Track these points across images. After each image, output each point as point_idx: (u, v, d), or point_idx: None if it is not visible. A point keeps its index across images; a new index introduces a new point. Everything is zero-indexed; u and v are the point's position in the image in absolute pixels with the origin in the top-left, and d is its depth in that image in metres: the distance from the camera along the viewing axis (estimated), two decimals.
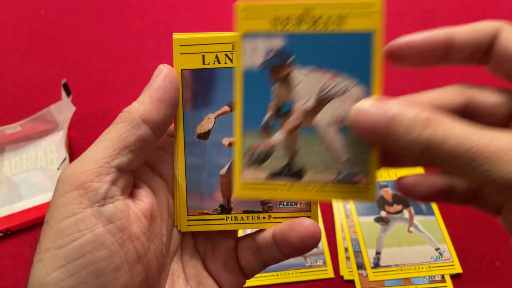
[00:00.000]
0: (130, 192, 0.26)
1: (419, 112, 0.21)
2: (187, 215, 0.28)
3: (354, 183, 0.26)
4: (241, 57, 0.25)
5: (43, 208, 0.48)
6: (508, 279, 0.42)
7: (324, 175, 0.27)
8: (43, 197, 0.49)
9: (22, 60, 0.65)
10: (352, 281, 0.43)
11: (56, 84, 0.59)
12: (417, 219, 0.46)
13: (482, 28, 0.25)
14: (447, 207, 0.47)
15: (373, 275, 0.43)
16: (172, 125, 0.28)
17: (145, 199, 0.26)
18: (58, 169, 0.49)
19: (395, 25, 0.65)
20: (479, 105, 0.26)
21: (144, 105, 0.25)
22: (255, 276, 0.43)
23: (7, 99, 0.60)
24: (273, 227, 0.27)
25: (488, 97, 0.26)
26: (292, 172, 0.27)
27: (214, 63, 0.27)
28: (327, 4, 0.24)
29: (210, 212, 0.28)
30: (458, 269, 0.43)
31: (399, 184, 0.27)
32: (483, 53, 0.25)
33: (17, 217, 0.47)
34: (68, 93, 0.52)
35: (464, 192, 0.27)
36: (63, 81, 0.51)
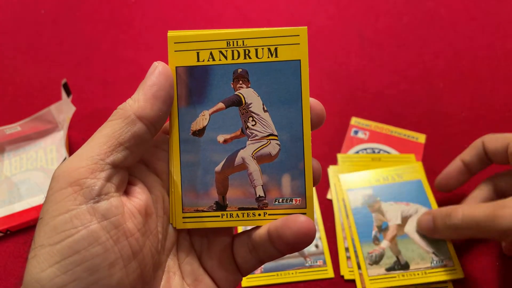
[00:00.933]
0: (125, 189, 0.26)
1: (446, 209, 0.40)
2: (182, 212, 0.28)
3: (444, 266, 0.42)
4: (348, 203, 0.47)
5: None
6: (508, 280, 0.42)
7: (422, 264, 0.42)
8: (43, 197, 0.49)
9: (22, 60, 0.65)
10: (353, 281, 0.43)
11: (56, 84, 0.59)
12: None
13: (476, 145, 0.43)
14: None
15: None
16: (167, 122, 0.28)
17: (140, 196, 0.26)
18: None
19: (395, 26, 0.65)
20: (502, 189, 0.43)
21: (139, 102, 0.25)
22: (255, 276, 0.43)
23: (7, 99, 0.60)
24: (268, 224, 0.27)
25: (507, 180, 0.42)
26: (401, 265, 0.42)
27: (208, 60, 0.27)
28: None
29: (205, 209, 0.28)
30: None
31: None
32: (486, 158, 0.43)
33: (17, 217, 0.47)
34: (68, 93, 0.51)
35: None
36: (63, 81, 0.51)
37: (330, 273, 0.43)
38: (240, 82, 0.28)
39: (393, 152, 0.52)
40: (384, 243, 0.44)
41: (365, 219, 0.46)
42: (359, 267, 0.43)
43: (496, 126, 0.54)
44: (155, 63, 0.27)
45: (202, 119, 0.28)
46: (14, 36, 0.68)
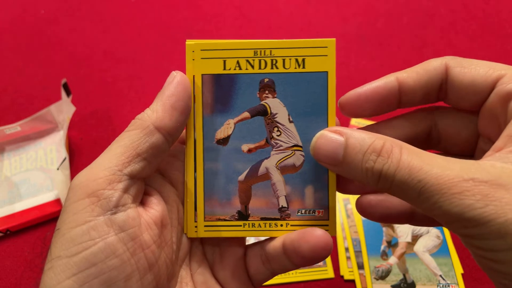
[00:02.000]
0: (141, 200, 0.26)
1: (375, 139, 0.22)
2: (204, 220, 0.28)
3: None
4: None
5: (43, 208, 0.48)
6: None
7: (428, 286, 0.41)
8: (43, 197, 0.49)
9: (22, 60, 0.65)
10: (353, 281, 0.43)
11: (56, 84, 0.59)
12: None
13: (431, 67, 0.26)
14: None
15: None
16: (183, 132, 0.28)
17: (156, 206, 0.26)
18: (58, 169, 0.49)
19: (395, 26, 0.65)
20: (443, 128, 0.27)
21: (157, 112, 0.25)
22: None
23: (7, 99, 0.60)
24: (283, 237, 0.27)
25: (451, 120, 0.27)
26: (407, 284, 0.42)
27: (235, 69, 0.27)
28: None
29: (227, 218, 0.28)
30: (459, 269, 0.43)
31: (357, 203, 0.28)
32: (437, 91, 0.26)
33: (17, 217, 0.47)
34: (68, 93, 0.51)
35: (424, 216, 0.27)
36: (63, 81, 0.51)
37: (330, 273, 0.43)
38: (266, 92, 0.27)
39: None
40: (392, 259, 0.43)
41: (374, 232, 0.45)
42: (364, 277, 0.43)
43: None
44: (173, 73, 0.26)
45: (227, 128, 0.28)
46: (14, 36, 0.68)
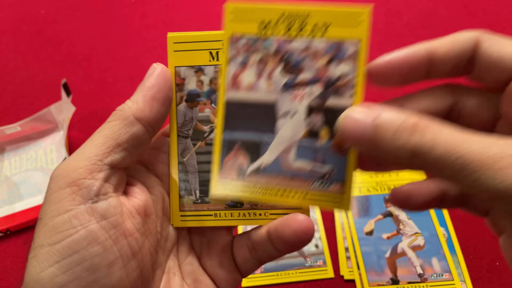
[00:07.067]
0: (125, 190, 0.26)
1: (407, 117, 0.21)
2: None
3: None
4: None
5: None
6: (508, 279, 0.42)
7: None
8: (43, 197, 0.49)
9: (22, 60, 0.65)
10: (353, 281, 0.43)
11: (56, 84, 0.59)
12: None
13: (462, 39, 0.25)
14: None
15: None
16: (168, 125, 0.28)
17: (139, 196, 0.26)
18: None
19: (395, 26, 0.65)
20: (464, 107, 0.26)
21: (137, 103, 0.25)
22: (256, 276, 0.43)
23: (7, 99, 0.60)
24: (268, 224, 0.27)
25: (474, 100, 0.26)
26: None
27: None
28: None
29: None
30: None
31: (393, 197, 0.27)
32: (465, 64, 0.25)
33: (17, 217, 0.47)
34: (68, 93, 0.52)
35: (456, 196, 0.26)
36: (63, 81, 0.51)
37: (330, 273, 0.43)
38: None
39: None
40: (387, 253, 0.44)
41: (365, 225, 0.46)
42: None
43: None
44: (154, 65, 0.27)
45: (370, 225, 0.44)
46: (14, 36, 0.68)
